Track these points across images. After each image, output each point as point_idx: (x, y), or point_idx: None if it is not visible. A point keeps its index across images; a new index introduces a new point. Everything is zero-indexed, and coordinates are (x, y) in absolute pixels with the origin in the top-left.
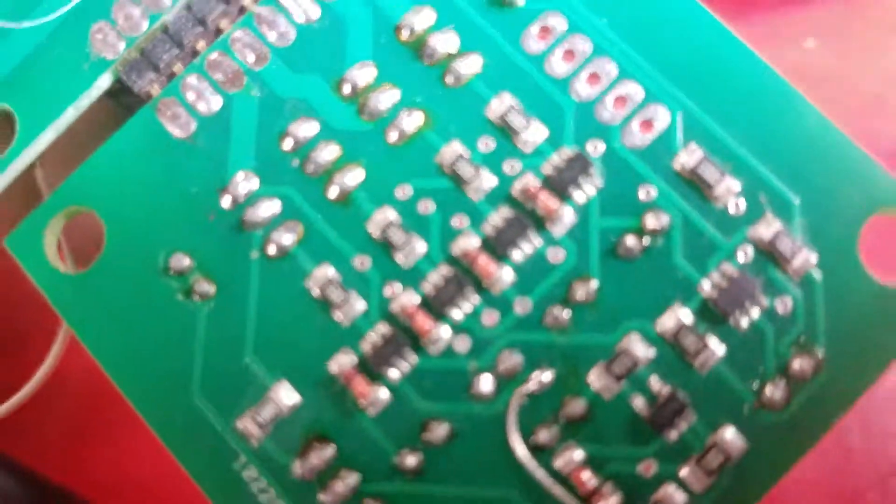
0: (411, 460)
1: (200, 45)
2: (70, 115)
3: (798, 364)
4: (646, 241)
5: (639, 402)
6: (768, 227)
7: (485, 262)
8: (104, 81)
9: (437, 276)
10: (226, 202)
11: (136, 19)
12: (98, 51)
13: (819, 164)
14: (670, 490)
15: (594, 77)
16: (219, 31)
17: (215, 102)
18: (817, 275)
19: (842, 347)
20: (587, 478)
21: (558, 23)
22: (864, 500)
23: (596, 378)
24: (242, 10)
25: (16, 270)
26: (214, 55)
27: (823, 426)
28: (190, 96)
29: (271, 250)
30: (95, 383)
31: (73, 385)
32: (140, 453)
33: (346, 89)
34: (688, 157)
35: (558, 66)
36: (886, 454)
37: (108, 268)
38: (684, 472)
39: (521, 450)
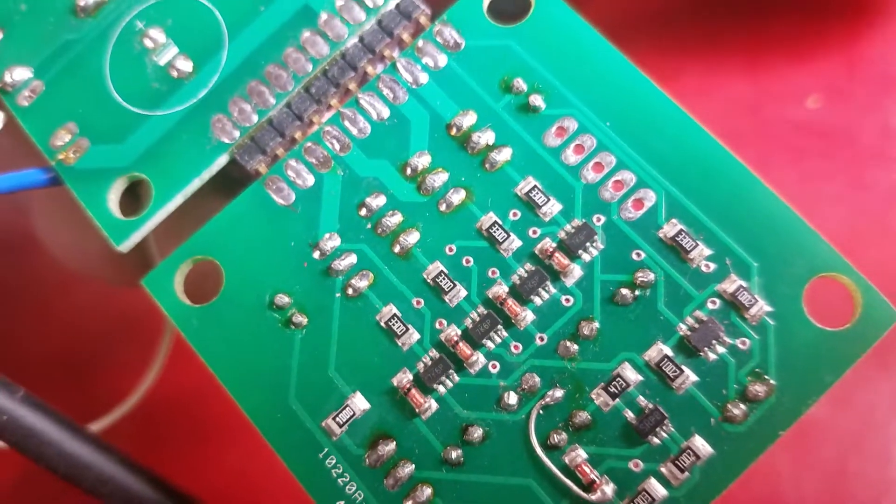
0: (454, 454)
1: (298, 134)
2: (195, 184)
3: (754, 389)
4: (636, 292)
5: (629, 415)
6: (732, 284)
7: (512, 305)
8: (222, 160)
9: (475, 315)
10: (316, 255)
11: (248, 113)
12: (217, 136)
13: (773, 237)
14: (653, 482)
15: (598, 166)
16: (312, 124)
17: (310, 180)
18: (770, 321)
19: (788, 377)
20: (588, 471)
21: (571, 125)
22: None
23: (596, 395)
24: (330, 107)
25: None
26: (309, 144)
27: (772, 437)
28: (290, 174)
29: (349, 292)
30: (185, 402)
31: (164, 404)
32: (226, 462)
33: (409, 171)
34: (669, 228)
35: (571, 157)
36: (881, 475)
37: (226, 304)
38: (664, 469)
39: (538, 449)
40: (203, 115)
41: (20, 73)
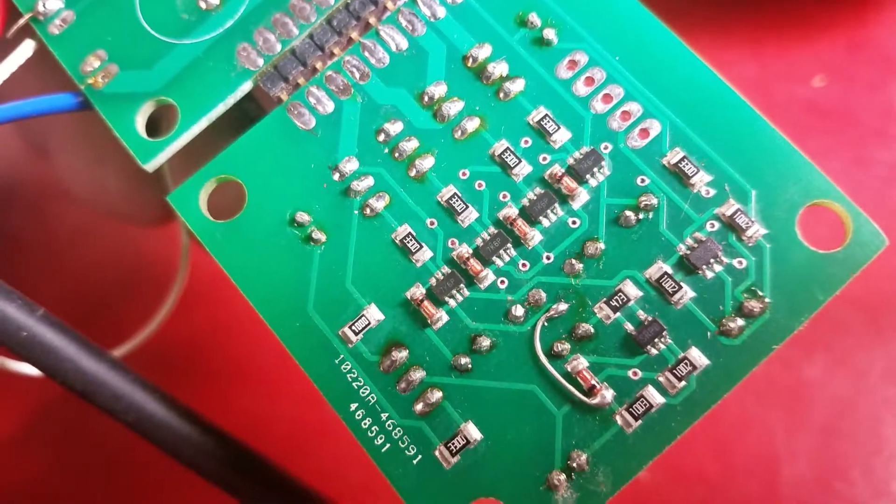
0: (463, 361)
1: (318, 64)
2: (220, 109)
3: (749, 305)
4: (640, 215)
5: (629, 327)
6: (730, 207)
7: (521, 225)
8: (246, 87)
9: (486, 234)
10: (335, 176)
11: (272, 43)
12: (242, 64)
13: (770, 165)
14: (651, 390)
15: (607, 97)
16: (332, 55)
17: (330, 106)
18: (766, 243)
19: (782, 295)
20: (589, 377)
21: (582, 58)
22: (848, 477)
23: (598, 309)
24: (351, 40)
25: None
26: (330, 72)
27: (766, 351)
28: (312, 100)
29: (367, 211)
30: (196, 343)
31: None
32: (243, 398)
33: (425, 100)
34: (673, 156)
35: (581, 88)
36: (872, 435)
37: (248, 220)
38: (661, 378)
39: (542, 356)
40: (229, 43)
41: (53, 3)
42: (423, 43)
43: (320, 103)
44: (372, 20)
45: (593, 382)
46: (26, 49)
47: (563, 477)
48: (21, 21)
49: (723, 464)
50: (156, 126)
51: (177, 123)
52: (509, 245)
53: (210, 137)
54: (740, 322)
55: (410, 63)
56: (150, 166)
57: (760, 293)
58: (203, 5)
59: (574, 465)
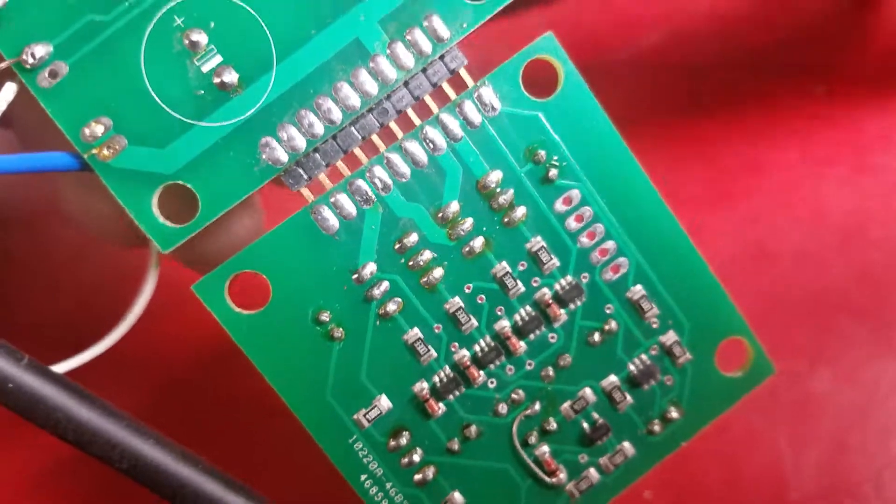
0: (455, 445)
1: (340, 164)
2: (240, 201)
3: (670, 413)
4: (603, 337)
5: (585, 425)
6: (670, 338)
7: (514, 340)
8: (267, 180)
9: (483, 343)
10: (355, 279)
11: (297, 141)
12: (266, 159)
13: (706, 306)
14: (592, 471)
15: (591, 234)
16: (354, 157)
17: (353, 212)
18: (689, 367)
19: (694, 405)
20: (551, 461)
21: (576, 196)
22: (859, 492)
23: (564, 410)
24: (374, 148)
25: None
26: (354, 180)
27: (675, 445)
28: (336, 205)
29: (382, 314)
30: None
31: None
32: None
33: (440, 217)
34: (634, 292)
35: (572, 224)
36: (882, 449)
37: (272, 314)
38: (602, 461)
39: (517, 445)
40: (251, 134)
41: (40, 50)
42: (442, 162)
43: (343, 210)
44: (394, 127)
45: (553, 466)
46: (7, 93)
47: None
48: (3, 65)
49: (728, 481)
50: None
51: (197, 210)
52: (502, 355)
53: None
54: (662, 424)
55: (429, 180)
56: (170, 251)
57: (680, 404)
58: (219, 85)
59: None
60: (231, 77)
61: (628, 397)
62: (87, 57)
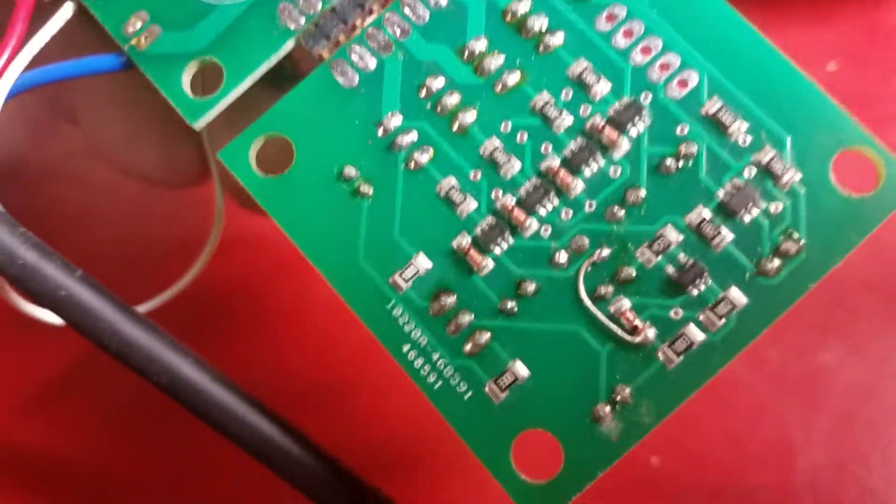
0: (510, 305)
1: (359, 22)
2: (264, 68)
3: (785, 247)
4: (680, 162)
5: (670, 269)
6: (766, 154)
7: (563, 175)
8: (289, 45)
9: (528, 185)
10: (380, 132)
11: (312, 2)
12: (284, 22)
13: (805, 113)
14: (692, 327)
15: (646, 49)
16: (372, 12)
17: (372, 63)
18: (800, 188)
19: (816, 237)
20: (632, 317)
21: (621, 11)
22: (867, 463)
23: (640, 254)
24: None
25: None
26: (372, 30)
27: (802, 290)
28: (354, 58)
29: (411, 165)
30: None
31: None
32: (274, 352)
33: (466, 55)
34: (711, 105)
35: (620, 41)
36: (891, 423)
37: (298, 175)
38: (702, 316)
39: (586, 299)
40: (270, 3)
41: None
42: None
43: (363, 60)
44: None
45: (636, 323)
46: (66, 11)
47: (607, 409)
48: None
49: (737, 451)
50: (195, 88)
51: (222, 83)
52: (552, 194)
53: (245, 94)
54: (777, 262)
55: (450, 18)
56: (199, 125)
57: (796, 235)
58: None
59: (618, 398)
60: None
61: (725, 231)
62: None
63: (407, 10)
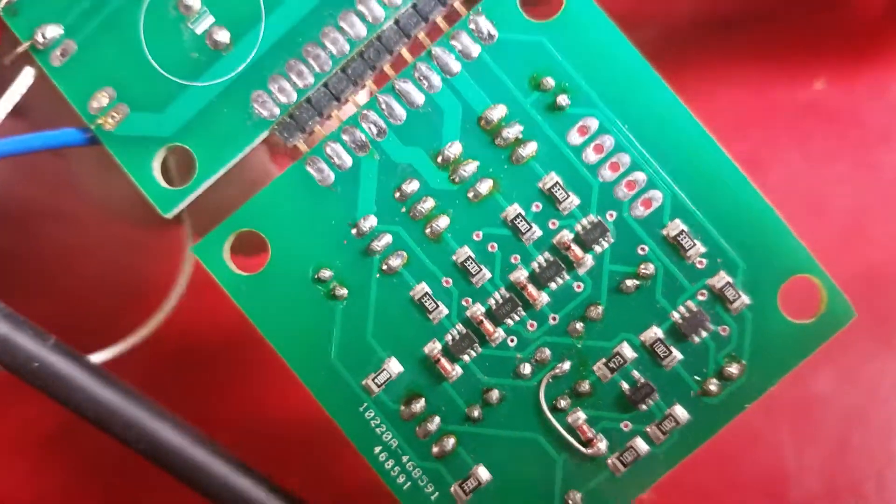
0: (475, 412)
1: (335, 113)
2: (237, 159)
3: (728, 370)
4: (639, 282)
5: (624, 386)
6: (720, 280)
7: (531, 290)
8: (262, 136)
9: (498, 296)
10: (354, 233)
11: (288, 91)
12: (258, 112)
13: (761, 240)
14: (638, 440)
15: (614, 165)
16: (348, 103)
17: (348, 161)
18: (749, 313)
19: (758, 360)
20: (587, 429)
21: (593, 124)
22: (861, 491)
23: (598, 369)
24: (365, 87)
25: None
26: (348, 127)
27: (739, 409)
28: (330, 155)
29: (385, 269)
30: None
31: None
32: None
33: (440, 159)
34: (672, 228)
35: (591, 155)
36: (884, 448)
37: (272, 274)
38: (649, 430)
39: (546, 410)
40: (243, 89)
41: (52, 31)
42: (439, 100)
43: (339, 158)
44: (387, 69)
45: (590, 434)
46: (27, 77)
47: None
48: (20, 49)
49: (730, 481)
50: (164, 169)
51: (194, 169)
52: (520, 307)
53: None
54: (720, 384)
55: (426, 121)
56: (171, 214)
57: (740, 359)
58: (212, 44)
59: (570, 502)
60: (223, 36)
61: (675, 352)
62: (94, 33)
63: (383, 109)
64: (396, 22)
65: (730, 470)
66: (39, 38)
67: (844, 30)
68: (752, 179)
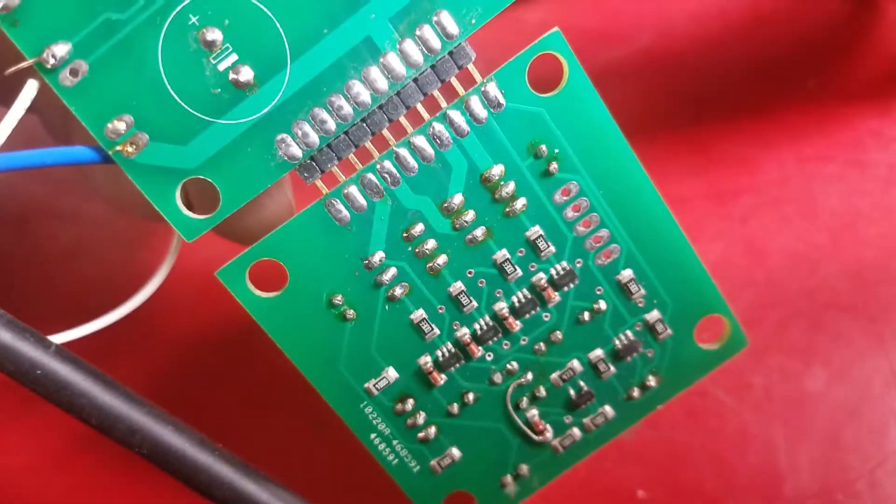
0: (454, 408)
1: (353, 159)
2: (259, 193)
3: (649, 381)
4: (593, 315)
5: (571, 392)
6: (653, 316)
7: (511, 319)
8: (285, 176)
9: (483, 322)
10: (366, 265)
11: (311, 137)
12: (282, 155)
13: (690, 288)
14: (575, 430)
15: (586, 222)
16: (366, 150)
17: (363, 205)
18: (670, 341)
19: (670, 375)
20: (539, 423)
21: (574, 188)
22: (853, 489)
23: (553, 379)
24: (385, 141)
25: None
26: (366, 174)
27: (652, 408)
28: (348, 198)
29: (390, 297)
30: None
31: None
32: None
33: (445, 208)
34: (624, 276)
35: (569, 213)
36: (876, 446)
37: (290, 297)
38: (585, 421)
39: (510, 408)
40: (267, 131)
41: (61, 50)
42: (448, 157)
43: (355, 202)
44: (403, 120)
45: (542, 427)
46: (31, 90)
47: (510, 478)
48: (24, 64)
49: (723, 479)
50: (184, 194)
51: (217, 199)
52: (499, 331)
53: None
54: (640, 391)
55: (435, 174)
56: (194, 241)
57: (658, 373)
58: (235, 83)
59: (519, 473)
60: (247, 75)
61: (612, 368)
62: (106, 55)
63: (398, 161)
64: (415, 80)
65: (723, 469)
66: (48, 57)
67: (837, 32)
68: (746, 181)
